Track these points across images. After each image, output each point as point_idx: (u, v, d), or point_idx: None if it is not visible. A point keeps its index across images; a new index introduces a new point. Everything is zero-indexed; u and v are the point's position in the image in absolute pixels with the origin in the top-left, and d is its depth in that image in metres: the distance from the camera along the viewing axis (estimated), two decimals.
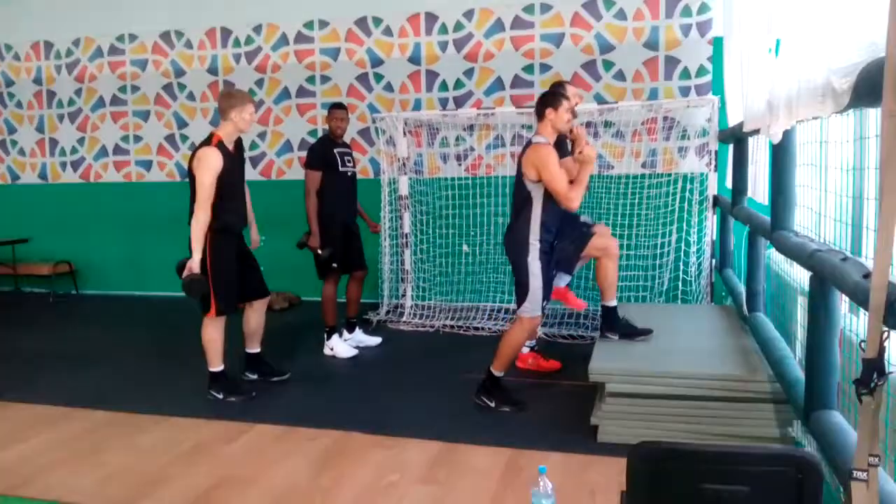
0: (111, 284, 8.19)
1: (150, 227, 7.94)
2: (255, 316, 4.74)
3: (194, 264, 4.18)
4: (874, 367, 1.75)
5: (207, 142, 4.30)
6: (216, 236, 4.29)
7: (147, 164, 7.98)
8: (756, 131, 3.61)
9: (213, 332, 4.44)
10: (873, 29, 1.85)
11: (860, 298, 1.95)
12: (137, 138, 7.99)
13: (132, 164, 8.05)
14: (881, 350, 1.75)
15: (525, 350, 4.95)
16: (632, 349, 4.06)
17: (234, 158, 4.38)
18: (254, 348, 4.81)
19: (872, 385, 1.76)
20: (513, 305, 6.30)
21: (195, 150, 4.32)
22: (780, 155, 3.17)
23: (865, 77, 1.87)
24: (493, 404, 4.22)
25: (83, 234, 8.22)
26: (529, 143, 4.09)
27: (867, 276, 1.97)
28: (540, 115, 4.10)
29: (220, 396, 4.50)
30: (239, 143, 4.49)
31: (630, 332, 4.24)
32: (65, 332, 6.60)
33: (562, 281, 4.81)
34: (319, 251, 5.27)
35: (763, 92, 3.20)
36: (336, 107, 5.45)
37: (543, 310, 4.17)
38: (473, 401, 4.26)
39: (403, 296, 6.77)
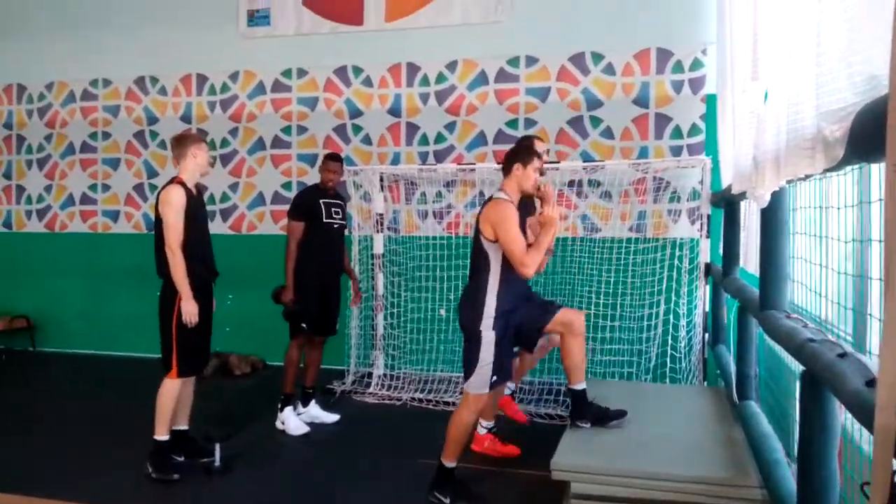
0: (71, 342, 7.68)
1: (114, 282, 7.49)
2: (187, 385, 4.25)
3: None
4: None
5: (169, 183, 4.12)
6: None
7: (114, 215, 7.59)
8: (744, 194, 3.17)
9: (169, 394, 4.08)
10: (873, 60, 1.41)
11: (861, 413, 1.46)
12: (106, 187, 7.62)
13: (99, 215, 7.65)
14: (892, 495, 1.25)
15: (482, 431, 4.42)
16: (604, 440, 3.53)
17: (198, 202, 4.19)
18: (182, 424, 4.29)
19: None
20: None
21: (157, 193, 4.14)
22: (770, 221, 2.71)
23: (863, 121, 1.43)
24: (447, 502, 3.67)
25: (44, 288, 7.76)
26: (490, 198, 3.69)
27: (871, 383, 1.48)
28: (507, 170, 3.72)
29: (153, 476, 4.04)
30: (200, 190, 4.31)
31: (602, 416, 3.72)
32: (5, 395, 6.09)
33: (506, 389, 4.52)
34: (290, 305, 4.88)
35: (750, 148, 2.77)
36: (329, 158, 5.16)
37: (493, 387, 3.67)
38: (428, 499, 3.72)
39: (373, 364, 6.25)
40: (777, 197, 2.60)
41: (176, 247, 3.98)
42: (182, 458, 4.26)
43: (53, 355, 7.62)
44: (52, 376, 6.83)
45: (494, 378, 3.61)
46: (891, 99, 1.23)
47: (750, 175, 2.72)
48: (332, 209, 5.02)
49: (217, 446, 4.15)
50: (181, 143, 4.18)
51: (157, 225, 4.07)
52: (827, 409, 1.90)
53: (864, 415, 1.41)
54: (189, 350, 4.09)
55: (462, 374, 3.78)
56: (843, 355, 1.72)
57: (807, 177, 2.03)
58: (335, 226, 5.03)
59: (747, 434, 3.30)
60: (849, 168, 2.01)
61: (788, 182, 2.29)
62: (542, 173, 4.30)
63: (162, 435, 4.11)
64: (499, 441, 4.42)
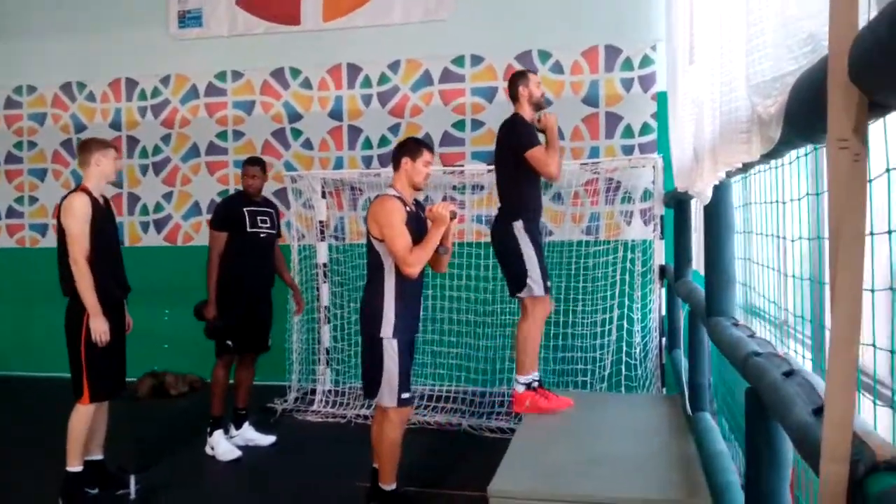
0: (1, 364, 7.21)
1: (44, 299, 7.01)
2: (100, 411, 3.90)
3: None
4: None
5: (72, 191, 3.82)
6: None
7: (42, 229, 7.15)
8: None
9: (81, 421, 3.74)
10: (813, 16, 1.16)
11: (807, 449, 1.19)
12: (33, 199, 7.18)
13: (26, 228, 7.21)
14: None
15: (520, 389, 4.03)
16: (550, 459, 3.25)
17: (105, 212, 3.87)
18: (96, 454, 3.93)
19: None
20: (439, 389, 5.53)
21: (60, 202, 3.80)
22: (713, 219, 2.46)
23: (802, 91, 1.17)
24: None
25: None
26: (378, 196, 3.50)
27: (819, 411, 1.22)
28: (395, 164, 3.51)
29: None
30: (107, 201, 3.99)
31: None
32: None
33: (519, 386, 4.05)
34: (213, 321, 4.54)
35: (690, 139, 2.52)
36: (247, 162, 4.83)
37: (401, 403, 3.42)
38: None
39: (317, 380, 5.91)
40: (720, 192, 2.35)
41: (81, 259, 3.65)
42: (97, 491, 3.90)
43: None
44: None
45: (406, 395, 3.41)
46: (831, 61, 0.97)
47: (690, 170, 2.48)
48: (258, 217, 4.69)
49: (132, 478, 3.80)
50: (84, 149, 3.87)
51: (60, 237, 3.74)
52: (775, 433, 1.64)
53: (810, 451, 1.14)
54: (101, 373, 3.75)
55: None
56: (789, 374, 1.46)
57: (745, 167, 1.78)
58: (262, 235, 4.69)
59: (700, 449, 3.05)
60: (798, 154, 1.77)
61: (729, 175, 2.04)
62: (540, 106, 4.11)
63: (74, 466, 3.78)
64: (543, 393, 4.03)
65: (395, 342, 3.34)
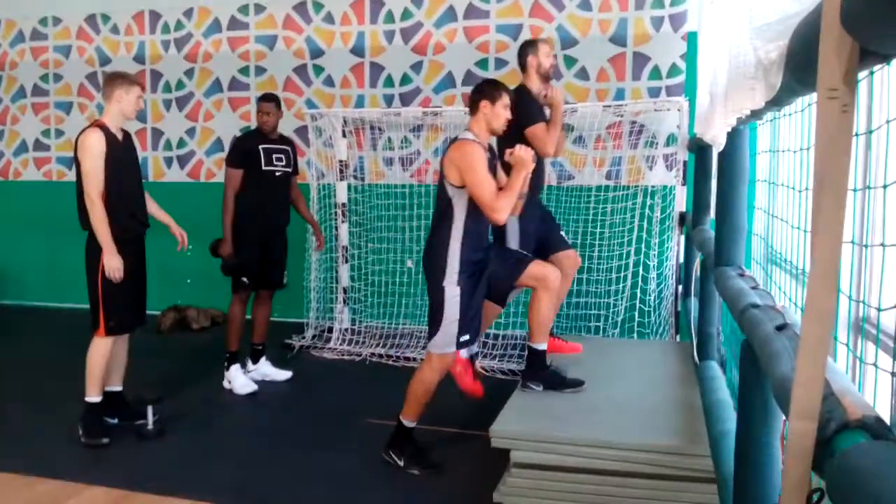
0: (28, 294, 7.41)
1: (73, 232, 7.14)
2: (120, 344, 4.00)
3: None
4: None
5: (88, 126, 3.83)
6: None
7: (68, 162, 7.20)
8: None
9: (98, 353, 3.85)
10: None
11: (786, 405, 1.18)
12: (59, 132, 7.25)
13: (53, 162, 7.30)
14: None
15: (465, 354, 4.04)
16: (553, 404, 3.29)
17: (122, 148, 3.87)
18: (115, 385, 4.05)
19: None
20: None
21: (77, 137, 3.81)
22: (726, 167, 2.40)
23: (802, 37, 1.11)
24: (401, 463, 3.48)
25: None
26: (455, 139, 3.37)
27: None
28: (473, 108, 3.38)
29: (83, 440, 3.83)
30: (128, 135, 3.99)
31: (557, 383, 3.47)
32: None
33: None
34: (229, 259, 4.61)
35: (707, 83, 2.44)
36: (261, 99, 4.80)
37: (461, 346, 3.39)
38: (382, 456, 3.52)
39: (334, 319, 5.99)
40: (734, 139, 2.28)
41: (95, 196, 3.69)
42: (116, 421, 4.04)
43: (8, 308, 7.34)
44: (4, 331, 6.57)
45: (466, 337, 3.34)
46: (825, 5, 0.92)
47: (707, 115, 2.41)
48: (274, 155, 4.68)
49: (149, 408, 3.92)
50: (109, 83, 3.86)
51: (77, 172, 3.78)
52: (766, 386, 1.63)
53: (784, 406, 1.13)
54: (116, 307, 3.84)
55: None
56: (781, 327, 1.43)
57: (755, 114, 1.71)
58: (277, 173, 4.68)
59: (704, 398, 3.06)
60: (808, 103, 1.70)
61: (740, 121, 1.98)
62: (548, 78, 4.00)
63: (93, 396, 3.90)
64: (471, 372, 4.08)
65: (457, 290, 3.30)
